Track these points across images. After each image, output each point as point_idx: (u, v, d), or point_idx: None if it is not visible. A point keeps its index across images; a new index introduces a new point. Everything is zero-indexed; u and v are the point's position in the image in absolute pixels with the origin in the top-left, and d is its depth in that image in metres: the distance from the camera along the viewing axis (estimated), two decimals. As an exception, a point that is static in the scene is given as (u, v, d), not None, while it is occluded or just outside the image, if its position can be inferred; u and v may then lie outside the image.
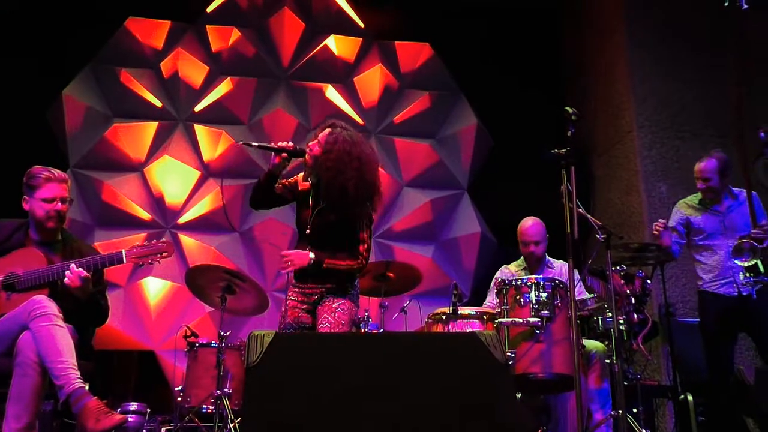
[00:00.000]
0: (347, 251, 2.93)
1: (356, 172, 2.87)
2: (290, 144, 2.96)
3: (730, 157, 4.01)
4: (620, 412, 3.03)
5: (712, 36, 5.70)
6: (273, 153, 2.94)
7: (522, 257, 4.17)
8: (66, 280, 2.75)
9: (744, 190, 3.94)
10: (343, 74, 6.27)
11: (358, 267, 2.94)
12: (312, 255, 2.88)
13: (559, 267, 4.04)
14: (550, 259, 4.14)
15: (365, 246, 2.96)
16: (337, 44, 6.20)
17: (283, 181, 3.07)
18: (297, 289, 3.05)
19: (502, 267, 4.22)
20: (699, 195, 4.04)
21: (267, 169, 2.98)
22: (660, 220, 3.91)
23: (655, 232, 3.85)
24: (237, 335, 4.96)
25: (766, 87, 5.25)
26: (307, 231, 2.97)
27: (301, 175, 3.12)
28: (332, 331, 2.85)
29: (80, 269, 2.76)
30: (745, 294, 3.78)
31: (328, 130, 2.98)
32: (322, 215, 2.96)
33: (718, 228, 3.93)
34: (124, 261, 2.86)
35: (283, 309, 3.09)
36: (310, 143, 3.00)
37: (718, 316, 3.85)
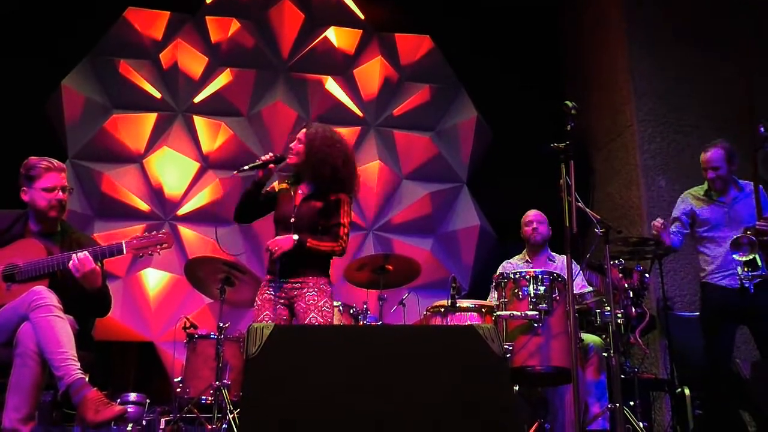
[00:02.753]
0: (329, 235, 3.11)
1: (342, 152, 3.15)
2: (272, 155, 3.21)
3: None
4: (617, 405, 3.05)
5: (711, 30, 5.69)
6: (258, 168, 3.17)
7: (524, 250, 4.19)
8: (70, 264, 2.74)
9: (749, 183, 3.93)
10: (342, 66, 6.25)
11: (340, 249, 3.10)
12: (295, 237, 3.02)
13: (561, 261, 4.04)
14: (552, 253, 4.15)
15: (345, 230, 3.14)
16: (336, 36, 6.19)
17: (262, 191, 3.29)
18: (274, 284, 3.10)
19: (504, 262, 4.24)
20: (705, 186, 4.02)
21: (253, 181, 3.20)
22: (659, 219, 3.90)
23: (654, 231, 3.84)
24: (236, 327, 4.97)
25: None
26: (292, 219, 3.11)
27: (275, 183, 3.33)
28: None
29: (85, 254, 2.76)
30: (747, 286, 3.79)
31: (305, 129, 3.25)
32: (308, 202, 3.14)
33: (723, 220, 3.91)
34: (124, 252, 2.86)
35: (258, 302, 3.13)
36: (291, 144, 3.23)
37: (720, 308, 3.84)
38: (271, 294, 3.10)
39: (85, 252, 2.78)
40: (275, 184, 3.34)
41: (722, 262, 3.86)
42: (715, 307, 3.86)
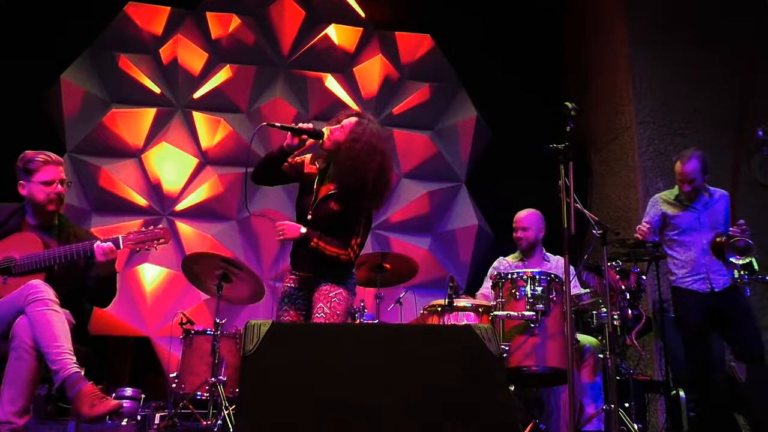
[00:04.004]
0: (339, 240, 2.90)
1: (378, 167, 2.87)
2: (311, 126, 2.93)
3: (726, 154, 4.03)
4: (612, 406, 3.05)
5: (712, 33, 5.69)
6: (292, 133, 2.90)
7: (518, 250, 4.21)
8: (96, 246, 2.76)
9: (717, 189, 4.00)
10: (342, 64, 6.25)
11: (346, 258, 2.90)
12: (303, 230, 2.87)
13: (555, 262, 4.06)
14: (547, 253, 4.16)
15: (358, 240, 2.93)
16: (337, 33, 6.18)
17: (290, 159, 3.04)
18: (293, 276, 3.05)
19: (500, 258, 4.25)
20: (675, 191, 4.07)
21: (282, 145, 2.94)
22: (644, 223, 3.92)
23: (638, 235, 3.86)
24: (232, 323, 4.98)
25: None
26: (309, 216, 2.94)
27: (308, 157, 3.09)
28: (327, 321, 2.85)
29: (109, 244, 2.79)
30: (717, 290, 3.84)
31: (355, 120, 2.96)
32: (327, 203, 2.94)
33: (694, 224, 3.96)
34: (121, 247, 2.85)
35: (280, 296, 3.09)
36: (332, 127, 2.95)
37: (695, 312, 3.89)
38: (292, 287, 3.03)
39: (109, 242, 2.80)
40: (307, 158, 3.07)
41: (693, 267, 3.92)
42: (690, 313, 3.91)
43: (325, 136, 2.92)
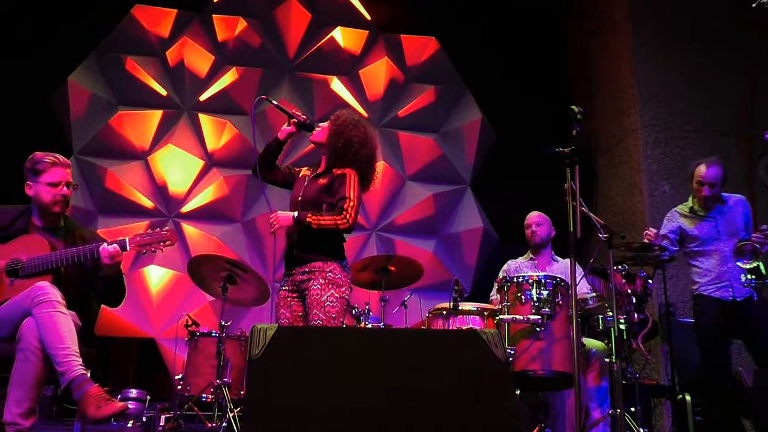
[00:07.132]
0: (332, 209, 3.00)
1: (362, 135, 3.12)
2: (304, 117, 3.21)
3: (732, 157, 4.00)
4: (618, 410, 3.04)
5: (717, 35, 5.68)
6: (287, 119, 3.19)
7: (528, 251, 4.21)
8: (102, 249, 2.79)
9: (732, 195, 3.97)
10: (348, 66, 6.26)
11: (344, 222, 2.94)
12: (295, 214, 2.97)
13: (565, 263, 4.04)
14: (556, 255, 4.16)
15: (351, 203, 2.98)
16: (343, 36, 6.19)
17: (289, 165, 3.30)
18: (288, 278, 3.07)
19: (509, 261, 4.25)
20: (689, 203, 4.04)
21: (276, 137, 3.21)
22: (651, 229, 3.90)
23: (646, 240, 3.84)
24: (237, 325, 4.98)
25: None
26: (300, 198, 3.09)
27: (305, 168, 3.29)
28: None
29: (115, 246, 2.80)
30: (739, 299, 3.79)
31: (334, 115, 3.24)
32: (316, 181, 3.11)
33: (712, 233, 3.93)
34: (128, 248, 2.86)
35: (276, 300, 3.11)
36: (322, 123, 3.20)
37: (715, 320, 3.85)
38: (286, 290, 3.06)
39: (115, 244, 2.82)
40: (304, 169, 3.32)
41: (716, 275, 3.88)
42: (710, 320, 3.87)
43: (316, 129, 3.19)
